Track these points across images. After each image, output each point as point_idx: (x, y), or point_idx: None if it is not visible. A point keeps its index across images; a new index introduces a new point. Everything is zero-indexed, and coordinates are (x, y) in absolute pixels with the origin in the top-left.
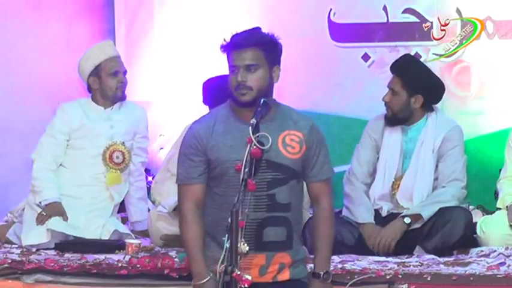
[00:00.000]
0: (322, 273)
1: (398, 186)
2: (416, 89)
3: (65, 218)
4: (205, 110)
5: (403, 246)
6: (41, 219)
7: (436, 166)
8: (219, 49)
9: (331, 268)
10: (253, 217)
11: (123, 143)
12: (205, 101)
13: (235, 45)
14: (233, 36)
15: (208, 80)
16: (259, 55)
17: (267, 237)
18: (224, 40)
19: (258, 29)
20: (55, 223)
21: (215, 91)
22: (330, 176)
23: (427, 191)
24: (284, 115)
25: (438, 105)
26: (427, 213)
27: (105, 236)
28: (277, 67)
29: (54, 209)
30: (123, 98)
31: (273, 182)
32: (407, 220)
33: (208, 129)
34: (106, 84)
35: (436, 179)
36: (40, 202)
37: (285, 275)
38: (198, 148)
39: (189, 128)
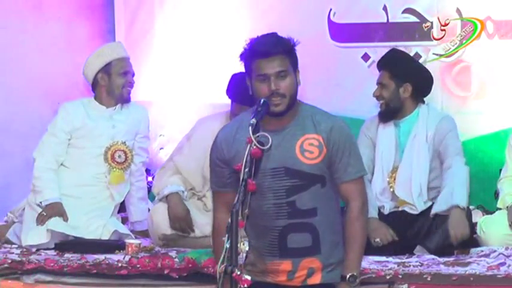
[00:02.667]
0: (348, 276)
1: (394, 179)
2: (404, 78)
3: (65, 219)
4: (205, 110)
5: (403, 246)
6: (41, 220)
7: (432, 159)
8: (239, 57)
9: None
10: (275, 225)
11: (125, 142)
12: (228, 93)
13: (263, 54)
14: (257, 44)
15: (236, 73)
16: (286, 61)
17: (291, 243)
18: (245, 49)
19: (276, 33)
20: (55, 223)
21: (238, 85)
22: (357, 177)
23: (424, 181)
24: (306, 118)
25: (437, 104)
26: (461, 199)
27: (106, 236)
28: (298, 70)
29: (54, 209)
30: (127, 100)
31: (291, 189)
32: (462, 206)
33: (230, 138)
34: (114, 82)
35: (431, 170)
36: (40, 202)
37: (315, 279)
38: (219, 159)
39: (216, 135)
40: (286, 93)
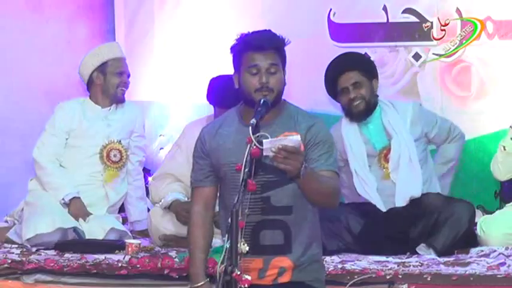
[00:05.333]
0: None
1: (387, 159)
2: (372, 73)
3: (88, 214)
4: (205, 110)
5: (406, 246)
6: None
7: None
8: (230, 49)
9: (331, 268)
10: (248, 220)
11: (120, 141)
12: (208, 98)
13: (257, 47)
14: (251, 37)
15: (215, 77)
16: (277, 58)
17: (264, 240)
18: (238, 40)
19: (270, 30)
20: (66, 219)
21: (220, 90)
22: (328, 169)
23: (414, 152)
24: (288, 117)
25: (437, 104)
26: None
27: (100, 235)
28: (285, 71)
29: (78, 208)
30: (122, 100)
31: (266, 185)
32: None
33: (213, 131)
34: (109, 82)
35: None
36: (62, 199)
37: (285, 277)
38: (202, 151)
39: (200, 132)
40: (275, 89)
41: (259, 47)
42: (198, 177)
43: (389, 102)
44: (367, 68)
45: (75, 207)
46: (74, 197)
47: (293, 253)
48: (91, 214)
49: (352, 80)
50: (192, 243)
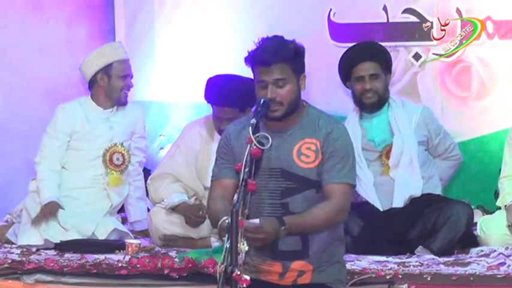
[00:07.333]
0: (283, 228)
1: (388, 157)
2: (388, 68)
3: (55, 217)
4: (205, 110)
5: (404, 246)
6: (36, 221)
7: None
8: (244, 61)
9: None
10: None
11: (122, 143)
12: (206, 98)
13: (261, 62)
14: (258, 51)
15: (212, 77)
16: (286, 69)
17: (282, 246)
18: (248, 54)
19: (280, 38)
20: (51, 233)
21: (217, 88)
22: (341, 182)
23: (415, 152)
24: (310, 122)
25: (437, 104)
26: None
27: (102, 236)
28: (303, 75)
29: (47, 209)
30: (124, 103)
31: (286, 191)
32: None
33: (236, 131)
34: (114, 85)
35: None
36: (40, 202)
37: (305, 279)
38: (226, 144)
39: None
40: (284, 101)
41: (264, 62)
42: (221, 171)
43: (399, 100)
44: (386, 61)
45: (46, 206)
46: (49, 202)
47: (311, 257)
48: (62, 208)
49: (370, 70)
50: (211, 208)
